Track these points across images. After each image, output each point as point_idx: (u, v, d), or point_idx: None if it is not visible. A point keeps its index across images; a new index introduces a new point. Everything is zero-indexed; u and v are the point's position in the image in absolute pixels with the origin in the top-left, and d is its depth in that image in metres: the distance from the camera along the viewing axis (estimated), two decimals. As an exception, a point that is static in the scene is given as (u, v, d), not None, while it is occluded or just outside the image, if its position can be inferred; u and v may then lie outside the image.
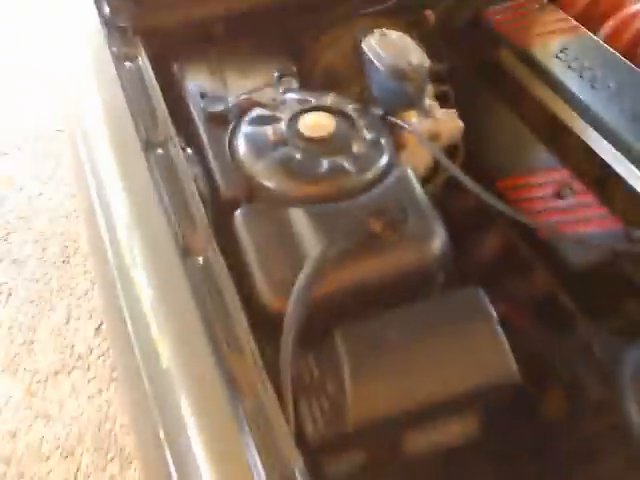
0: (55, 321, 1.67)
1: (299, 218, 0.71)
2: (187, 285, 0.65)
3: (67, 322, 1.66)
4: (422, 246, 0.69)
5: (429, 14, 1.04)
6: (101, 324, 1.64)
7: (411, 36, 0.91)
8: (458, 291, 0.66)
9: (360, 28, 0.97)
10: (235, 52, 0.96)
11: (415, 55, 0.83)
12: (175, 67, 0.95)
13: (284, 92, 0.88)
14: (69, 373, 1.56)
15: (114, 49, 0.92)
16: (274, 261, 0.69)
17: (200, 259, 0.67)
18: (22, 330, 1.65)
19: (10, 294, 1.73)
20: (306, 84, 0.94)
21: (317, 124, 0.79)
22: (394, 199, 0.71)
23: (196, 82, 0.92)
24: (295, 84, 0.92)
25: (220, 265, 0.67)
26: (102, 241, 0.73)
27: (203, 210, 0.71)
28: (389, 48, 0.84)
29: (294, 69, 0.95)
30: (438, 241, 0.69)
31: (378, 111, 0.84)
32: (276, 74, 0.93)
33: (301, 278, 0.64)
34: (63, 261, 1.80)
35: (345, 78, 0.97)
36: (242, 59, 0.96)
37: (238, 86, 0.92)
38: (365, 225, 0.68)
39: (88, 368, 1.57)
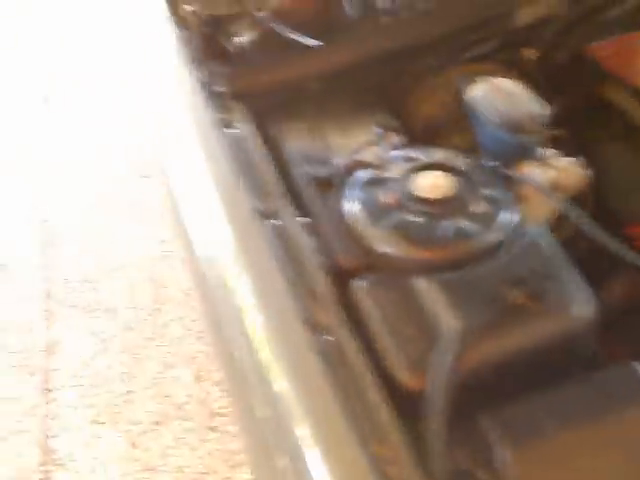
0: (152, 370, 1.67)
1: (428, 287, 0.68)
2: (319, 365, 0.63)
3: (163, 370, 1.66)
4: (572, 314, 0.64)
5: (530, 53, 1.00)
6: (199, 372, 1.62)
7: (511, 78, 0.88)
8: (615, 367, 0.61)
9: (458, 76, 0.94)
10: (333, 110, 0.94)
11: (530, 104, 0.79)
12: (273, 129, 0.94)
13: (388, 149, 0.86)
14: (169, 423, 1.55)
15: (215, 115, 0.91)
16: (406, 335, 0.66)
17: (329, 336, 0.65)
18: (120, 380, 1.66)
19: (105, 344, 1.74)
20: (407, 138, 0.91)
21: (433, 184, 0.76)
22: (531, 262, 0.67)
23: (296, 144, 0.91)
24: (397, 139, 0.90)
25: (351, 342, 0.65)
26: (222, 322, 0.72)
27: (327, 283, 0.69)
28: (500, 98, 0.81)
29: (395, 123, 0.92)
30: (588, 307, 0.64)
31: (494, 164, 0.80)
32: (377, 130, 0.90)
33: (441, 356, 0.61)
34: (155, 309, 1.80)
35: (446, 129, 0.94)
36: (340, 116, 0.94)
37: (339, 145, 0.90)
38: (504, 294, 0.64)
39: (188, 418, 1.56)
